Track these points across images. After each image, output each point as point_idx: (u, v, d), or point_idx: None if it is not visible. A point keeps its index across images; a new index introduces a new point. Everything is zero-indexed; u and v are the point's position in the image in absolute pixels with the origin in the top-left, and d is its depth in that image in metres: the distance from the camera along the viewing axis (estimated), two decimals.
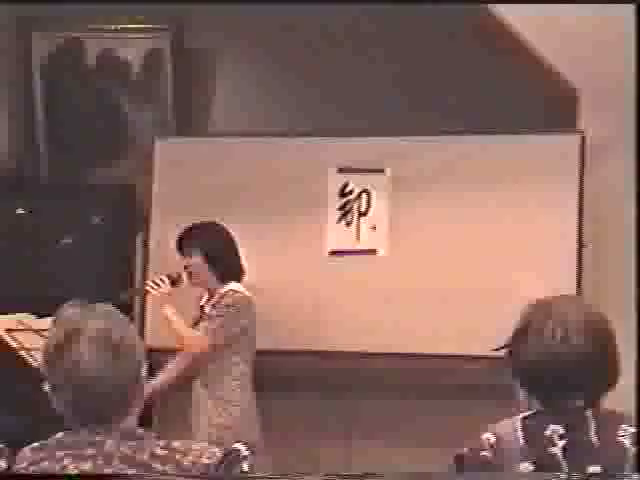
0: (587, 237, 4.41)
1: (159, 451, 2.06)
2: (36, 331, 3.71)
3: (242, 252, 4.31)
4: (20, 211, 5.12)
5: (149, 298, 4.43)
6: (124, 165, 5.29)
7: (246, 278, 4.26)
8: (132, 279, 4.97)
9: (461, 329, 4.48)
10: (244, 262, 4.26)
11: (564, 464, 2.16)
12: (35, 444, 2.11)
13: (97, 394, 2.05)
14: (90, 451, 2.05)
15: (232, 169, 4.85)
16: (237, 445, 2.10)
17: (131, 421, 2.11)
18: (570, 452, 2.16)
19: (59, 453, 2.06)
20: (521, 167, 4.54)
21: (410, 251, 4.63)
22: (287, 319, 4.68)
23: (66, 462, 2.05)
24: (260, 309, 4.41)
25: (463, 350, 4.45)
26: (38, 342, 3.58)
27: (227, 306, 4.06)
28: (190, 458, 2.06)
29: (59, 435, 2.10)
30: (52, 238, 5.06)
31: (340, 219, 4.74)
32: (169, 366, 4.14)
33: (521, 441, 2.18)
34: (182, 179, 4.92)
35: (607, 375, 2.23)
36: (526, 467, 2.17)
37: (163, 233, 4.72)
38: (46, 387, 2.09)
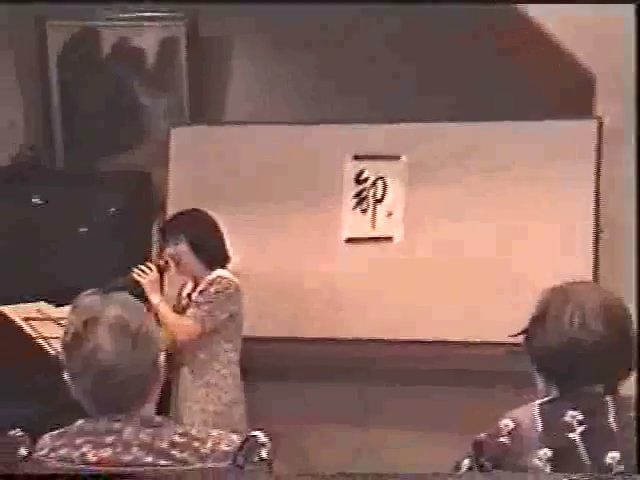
0: (603, 223, 4.39)
1: (177, 438, 2.06)
2: (54, 320, 3.72)
3: (257, 240, 4.30)
4: (36, 200, 5.14)
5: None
6: (139, 153, 5.30)
7: (231, 265, 4.22)
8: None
9: (477, 315, 4.47)
10: (229, 248, 4.23)
11: (583, 450, 2.16)
12: (55, 432, 2.13)
13: (115, 382, 2.05)
14: (109, 439, 2.06)
15: (247, 157, 4.85)
16: (255, 432, 2.11)
17: (149, 408, 2.12)
18: (589, 438, 2.16)
19: (78, 440, 2.07)
20: (538, 153, 4.52)
21: (426, 238, 4.62)
22: (303, 306, 4.69)
23: (85, 449, 2.06)
24: (276, 296, 4.42)
25: (480, 336, 4.44)
26: (56, 331, 3.59)
27: (216, 292, 4.06)
28: (209, 445, 2.06)
29: (78, 423, 2.11)
30: (68, 227, 5.07)
31: (356, 206, 4.74)
32: None
33: (539, 427, 2.18)
34: (197, 167, 4.92)
35: (626, 361, 2.22)
36: (544, 453, 2.17)
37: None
38: (65, 375, 2.10)
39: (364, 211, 4.73)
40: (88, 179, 5.26)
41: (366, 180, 4.74)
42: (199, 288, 4.11)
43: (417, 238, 4.64)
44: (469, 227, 4.56)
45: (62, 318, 3.49)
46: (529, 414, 2.21)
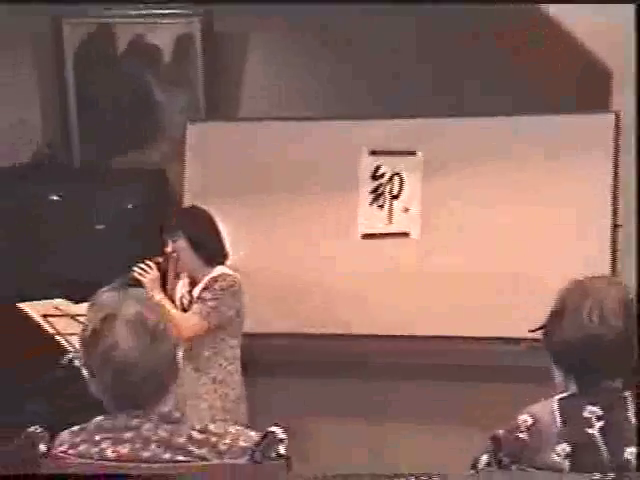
0: (621, 218, 4.38)
1: (196, 434, 2.07)
2: (72, 316, 3.73)
3: (273, 235, 4.29)
4: (53, 197, 5.15)
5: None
6: (156, 150, 5.31)
7: (229, 261, 4.21)
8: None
9: (495, 311, 4.46)
10: (227, 245, 4.23)
11: (602, 445, 2.15)
12: (74, 428, 2.13)
13: (134, 378, 2.06)
14: (128, 435, 2.06)
15: (263, 152, 4.85)
16: (273, 428, 2.11)
17: (167, 404, 2.12)
18: (608, 433, 2.15)
19: (97, 437, 2.08)
20: (554, 148, 4.51)
21: (443, 233, 4.62)
22: (320, 302, 4.68)
23: (104, 445, 2.07)
24: (292, 292, 4.41)
25: (498, 332, 4.43)
26: (74, 327, 3.60)
27: (222, 289, 4.05)
28: (227, 441, 2.07)
29: (97, 419, 2.11)
30: (85, 224, 5.08)
31: (372, 202, 4.73)
32: None
33: (558, 422, 2.18)
34: (213, 163, 4.92)
35: None
36: (563, 448, 2.16)
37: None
38: (84, 372, 2.11)
39: (381, 207, 4.73)
40: (104, 176, 5.27)
41: (382, 176, 4.73)
42: (201, 285, 4.10)
43: (433, 233, 4.63)
44: (485, 223, 4.55)
45: (80, 315, 3.50)
46: (548, 410, 2.20)
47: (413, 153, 4.67)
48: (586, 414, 2.17)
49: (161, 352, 2.08)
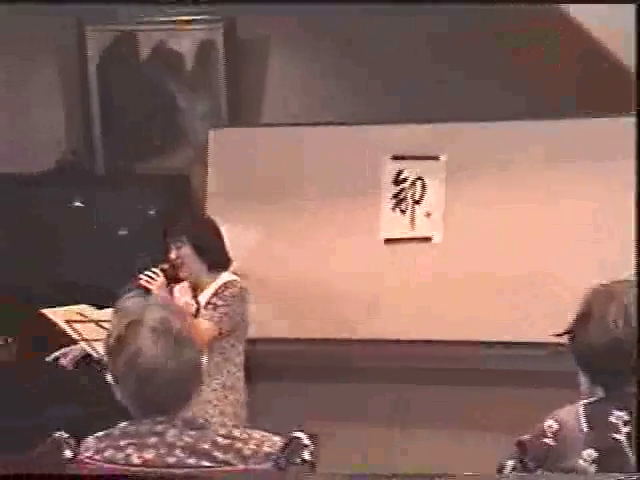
0: None
1: (220, 440, 2.07)
2: (96, 322, 3.74)
3: (295, 240, 4.28)
4: (77, 203, 5.17)
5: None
6: (179, 156, 5.32)
7: (232, 266, 4.21)
8: None
9: (519, 315, 4.44)
10: (230, 251, 4.22)
11: (629, 450, 2.14)
12: (99, 433, 2.14)
13: (159, 384, 2.06)
14: (153, 440, 2.07)
15: (285, 158, 4.86)
16: (298, 433, 2.11)
17: (191, 410, 2.12)
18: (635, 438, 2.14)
19: (122, 442, 2.08)
20: (577, 151, 4.49)
21: (466, 237, 4.60)
22: (342, 308, 4.68)
23: (129, 451, 2.07)
24: (315, 298, 4.41)
25: (523, 337, 4.41)
26: (98, 333, 3.61)
27: (232, 296, 4.04)
28: (251, 447, 2.07)
29: (122, 425, 2.12)
30: (108, 230, 5.10)
31: (395, 207, 4.73)
32: None
33: (584, 428, 2.16)
34: (236, 169, 4.93)
35: None
36: (589, 454, 2.15)
37: (218, 223, 4.72)
38: (109, 378, 2.11)
39: (403, 211, 4.72)
40: (127, 182, 5.29)
41: (405, 180, 4.72)
42: (210, 291, 4.08)
43: (456, 238, 4.62)
44: (509, 226, 4.54)
45: (103, 320, 3.51)
46: (573, 415, 2.19)
47: (436, 157, 4.66)
48: (613, 419, 2.16)
49: (185, 358, 2.08)
